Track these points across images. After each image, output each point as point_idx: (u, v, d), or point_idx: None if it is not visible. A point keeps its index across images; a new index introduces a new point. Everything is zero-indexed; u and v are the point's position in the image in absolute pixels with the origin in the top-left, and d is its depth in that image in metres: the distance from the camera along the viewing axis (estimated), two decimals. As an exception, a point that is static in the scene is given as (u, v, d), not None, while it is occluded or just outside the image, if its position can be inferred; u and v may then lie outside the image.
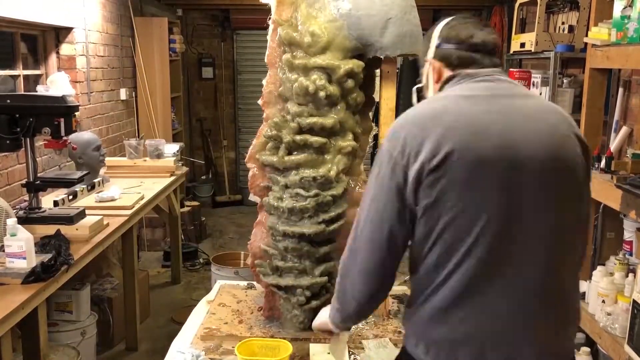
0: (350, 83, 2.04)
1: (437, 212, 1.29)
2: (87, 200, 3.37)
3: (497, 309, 1.32)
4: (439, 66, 1.46)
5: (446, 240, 1.30)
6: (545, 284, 1.34)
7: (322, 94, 1.99)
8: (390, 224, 1.34)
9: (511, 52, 4.66)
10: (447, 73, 1.45)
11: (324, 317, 1.63)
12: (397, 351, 2.03)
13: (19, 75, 3.70)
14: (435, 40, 1.46)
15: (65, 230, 2.70)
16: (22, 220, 2.62)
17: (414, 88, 1.61)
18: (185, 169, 4.74)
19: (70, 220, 2.77)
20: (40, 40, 4.02)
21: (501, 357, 1.33)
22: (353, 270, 1.42)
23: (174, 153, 4.56)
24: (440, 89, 1.46)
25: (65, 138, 2.82)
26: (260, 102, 2.18)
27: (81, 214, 2.88)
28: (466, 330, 1.33)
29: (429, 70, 1.50)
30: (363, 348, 2.06)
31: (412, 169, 1.28)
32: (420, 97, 1.56)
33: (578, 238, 1.42)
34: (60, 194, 3.27)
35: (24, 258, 2.27)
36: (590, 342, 2.94)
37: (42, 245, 2.51)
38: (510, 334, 1.33)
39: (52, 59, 4.11)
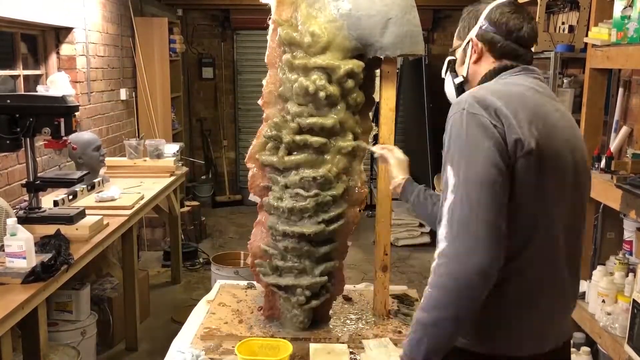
0: (350, 83, 2.04)
1: (521, 191, 1.30)
2: (87, 200, 3.38)
3: (551, 305, 1.43)
4: (481, 48, 1.49)
5: (522, 226, 1.33)
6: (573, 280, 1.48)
7: (322, 94, 1.99)
8: (501, 192, 1.27)
9: (511, 52, 4.66)
10: (488, 57, 1.49)
11: None
12: (397, 351, 2.03)
13: (19, 75, 3.70)
14: (481, 20, 1.48)
15: (65, 230, 2.70)
16: (22, 220, 2.63)
17: (447, 59, 1.64)
18: (185, 169, 4.75)
19: (70, 220, 2.78)
20: (40, 40, 4.02)
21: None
22: (466, 246, 1.25)
23: (174, 153, 4.56)
24: (489, 75, 1.49)
25: (65, 138, 2.82)
26: (260, 102, 2.18)
27: (81, 214, 2.88)
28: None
29: (467, 48, 1.52)
30: (363, 348, 2.06)
31: (511, 142, 1.28)
32: (452, 70, 1.62)
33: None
34: (60, 194, 3.27)
35: (24, 258, 2.27)
36: (590, 342, 2.94)
37: (42, 245, 2.51)
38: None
39: (52, 59, 4.11)
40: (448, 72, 1.62)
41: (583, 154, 1.44)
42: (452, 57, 1.60)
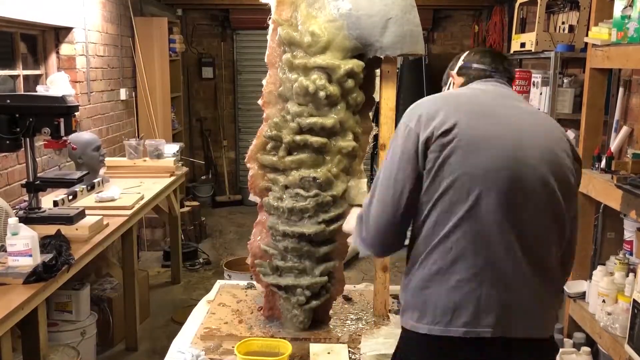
0: (350, 83, 2.04)
1: (441, 174, 1.43)
2: (87, 200, 3.37)
3: (491, 274, 1.42)
4: (459, 80, 1.73)
5: (445, 202, 1.43)
6: (535, 257, 1.46)
7: (322, 93, 1.99)
8: (401, 185, 1.47)
9: (511, 52, 4.66)
10: (461, 81, 1.74)
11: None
12: None
13: (19, 75, 3.69)
14: (460, 61, 1.76)
15: (65, 230, 2.70)
16: (22, 221, 2.62)
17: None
18: (185, 169, 4.74)
19: (70, 220, 2.77)
20: (40, 40, 4.02)
21: (493, 321, 1.42)
22: (369, 225, 1.55)
23: (174, 153, 4.56)
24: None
25: (65, 138, 2.82)
26: (260, 102, 2.18)
27: (81, 214, 2.88)
28: (462, 293, 1.43)
29: (450, 82, 1.79)
30: (360, 348, 2.06)
31: (424, 134, 1.45)
32: None
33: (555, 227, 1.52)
34: (60, 194, 3.27)
35: (30, 255, 2.28)
36: (590, 342, 2.94)
37: (42, 245, 2.50)
38: (502, 299, 1.43)
39: (52, 59, 4.11)
40: None
41: (544, 152, 1.48)
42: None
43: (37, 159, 2.90)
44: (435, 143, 1.43)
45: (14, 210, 2.75)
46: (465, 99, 1.55)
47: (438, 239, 1.44)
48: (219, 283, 2.68)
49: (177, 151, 4.65)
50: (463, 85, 1.70)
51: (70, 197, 3.23)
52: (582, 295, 3.04)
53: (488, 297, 1.42)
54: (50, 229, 2.67)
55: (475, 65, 1.69)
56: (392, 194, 1.48)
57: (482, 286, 1.42)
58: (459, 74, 1.74)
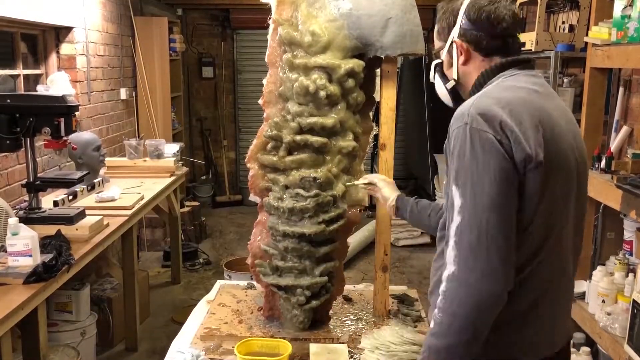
0: (350, 83, 2.04)
1: (533, 203, 1.27)
2: (87, 200, 3.37)
3: (560, 305, 1.42)
4: (467, 48, 1.43)
5: (538, 234, 1.31)
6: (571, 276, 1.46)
7: (322, 93, 1.99)
8: (511, 212, 1.25)
9: (511, 51, 4.66)
10: (477, 57, 1.43)
11: None
12: (415, 335, 2.02)
13: (19, 75, 3.69)
14: (460, 19, 1.42)
15: (65, 230, 2.70)
16: (22, 221, 2.62)
17: (434, 63, 1.57)
18: (185, 169, 4.74)
19: (70, 220, 2.77)
20: (40, 40, 4.02)
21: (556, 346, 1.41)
22: (478, 271, 1.23)
23: (174, 153, 4.56)
24: (486, 75, 1.42)
25: (65, 138, 2.82)
26: (260, 101, 2.18)
27: (81, 214, 2.88)
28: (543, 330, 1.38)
29: (452, 49, 1.46)
30: (363, 349, 2.06)
31: (518, 157, 1.24)
32: (440, 74, 1.55)
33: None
34: (60, 194, 3.27)
35: (30, 256, 2.28)
36: (590, 342, 2.94)
37: (42, 245, 2.50)
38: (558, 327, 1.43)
39: (52, 58, 4.11)
40: (437, 76, 1.56)
41: (582, 150, 1.42)
42: (439, 60, 1.54)
43: (37, 159, 2.91)
44: (529, 168, 1.25)
45: (14, 210, 2.75)
46: (539, 111, 1.31)
47: (524, 272, 1.31)
48: (219, 283, 2.68)
49: (177, 151, 4.65)
50: (488, 73, 1.41)
51: (71, 197, 3.23)
52: (582, 296, 3.04)
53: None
54: (51, 229, 2.67)
55: (491, 39, 1.40)
56: (508, 224, 1.25)
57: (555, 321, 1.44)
58: (467, 40, 1.42)
